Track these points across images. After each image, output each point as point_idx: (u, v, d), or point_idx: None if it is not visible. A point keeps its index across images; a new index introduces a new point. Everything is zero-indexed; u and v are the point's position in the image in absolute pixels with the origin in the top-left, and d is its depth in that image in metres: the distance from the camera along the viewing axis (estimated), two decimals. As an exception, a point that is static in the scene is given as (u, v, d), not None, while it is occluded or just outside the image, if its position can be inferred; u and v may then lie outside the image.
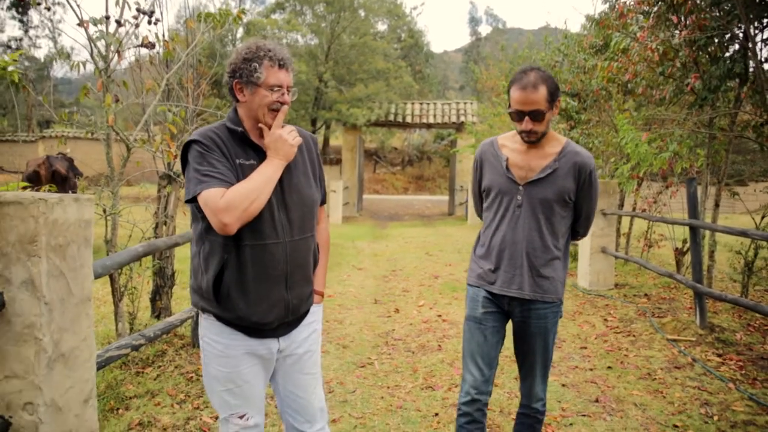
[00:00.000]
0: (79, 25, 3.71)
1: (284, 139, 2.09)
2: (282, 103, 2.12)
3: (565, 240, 2.71)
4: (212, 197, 1.97)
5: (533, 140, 2.59)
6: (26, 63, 30.77)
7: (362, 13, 23.81)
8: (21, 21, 29.23)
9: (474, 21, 70.65)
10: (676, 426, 3.66)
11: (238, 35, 25.12)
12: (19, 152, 24.89)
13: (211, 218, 1.98)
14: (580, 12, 31.65)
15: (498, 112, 14.80)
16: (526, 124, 2.53)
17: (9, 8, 27.93)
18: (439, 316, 6.38)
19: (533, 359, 2.73)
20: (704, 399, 4.08)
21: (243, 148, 2.14)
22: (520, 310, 2.66)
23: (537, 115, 2.51)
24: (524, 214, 2.61)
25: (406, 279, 8.64)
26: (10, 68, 3.02)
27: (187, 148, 2.12)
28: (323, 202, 2.44)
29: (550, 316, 2.67)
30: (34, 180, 7.49)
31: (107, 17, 3.59)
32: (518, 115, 2.54)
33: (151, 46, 3.70)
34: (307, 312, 2.33)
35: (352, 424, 3.68)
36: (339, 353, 5.08)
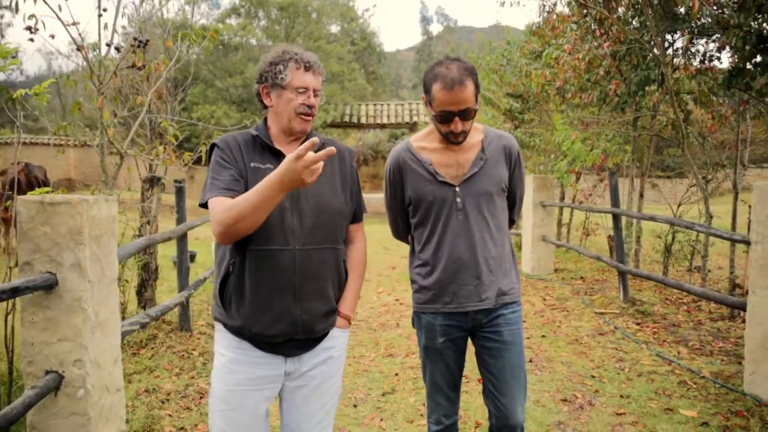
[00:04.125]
0: (77, 49, 4.26)
1: (295, 169, 1.72)
2: (309, 107, 2.05)
3: (507, 231, 2.47)
4: (212, 207, 1.92)
5: (461, 141, 2.29)
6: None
7: (315, 16, 24.36)
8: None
9: (425, 20, 72.05)
10: (593, 377, 4.45)
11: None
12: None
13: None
14: (526, 14, 32.79)
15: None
16: (457, 125, 2.21)
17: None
18: (397, 300, 7.09)
19: (511, 373, 2.36)
20: (619, 357, 4.88)
21: (260, 152, 2.06)
22: (488, 321, 2.35)
23: (468, 114, 2.21)
24: (469, 216, 2.31)
25: (366, 270, 9.29)
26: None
27: (210, 152, 2.11)
28: (358, 219, 2.28)
29: (519, 318, 2.41)
30: (13, 186, 7.83)
31: (108, 45, 4.16)
32: (446, 117, 2.21)
33: (141, 68, 4.27)
34: (324, 334, 2.13)
35: (325, 387, 4.34)
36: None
